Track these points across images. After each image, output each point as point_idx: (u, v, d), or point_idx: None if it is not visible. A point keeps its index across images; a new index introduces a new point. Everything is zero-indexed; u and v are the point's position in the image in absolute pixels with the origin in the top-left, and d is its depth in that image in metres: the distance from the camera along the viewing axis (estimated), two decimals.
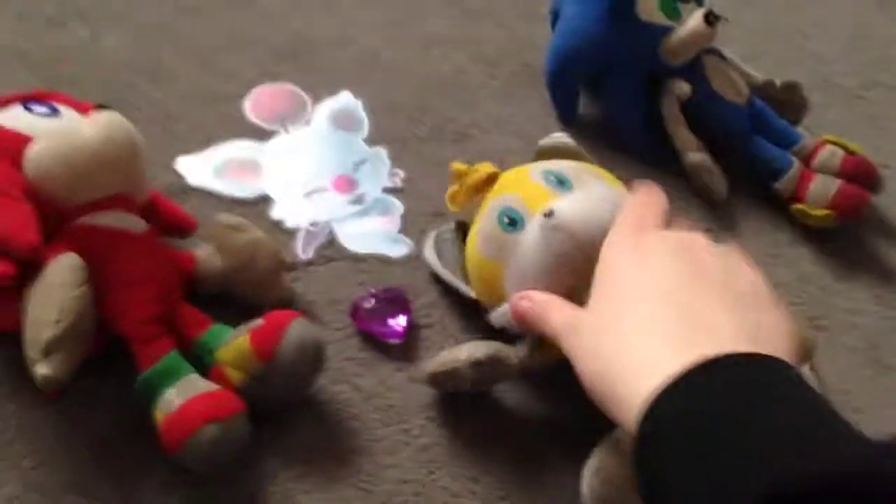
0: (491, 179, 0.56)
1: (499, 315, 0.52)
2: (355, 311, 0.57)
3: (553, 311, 0.46)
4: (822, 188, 0.68)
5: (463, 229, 0.59)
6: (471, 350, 0.51)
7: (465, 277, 0.57)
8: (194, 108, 0.68)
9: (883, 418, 0.60)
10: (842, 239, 0.70)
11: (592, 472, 0.47)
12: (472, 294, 0.56)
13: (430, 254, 0.60)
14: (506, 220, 0.52)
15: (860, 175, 0.69)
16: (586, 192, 0.52)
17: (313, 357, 0.50)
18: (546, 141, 0.59)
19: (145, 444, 0.49)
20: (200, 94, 0.69)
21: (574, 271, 0.48)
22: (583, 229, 0.48)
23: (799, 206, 0.69)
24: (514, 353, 0.52)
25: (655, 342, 0.37)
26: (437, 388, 0.54)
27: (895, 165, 0.78)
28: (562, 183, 0.52)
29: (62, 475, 0.48)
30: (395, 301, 0.58)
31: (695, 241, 0.43)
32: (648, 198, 0.48)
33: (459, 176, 0.57)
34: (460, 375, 0.51)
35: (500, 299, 0.52)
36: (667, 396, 0.34)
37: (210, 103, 0.69)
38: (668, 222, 0.47)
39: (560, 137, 0.59)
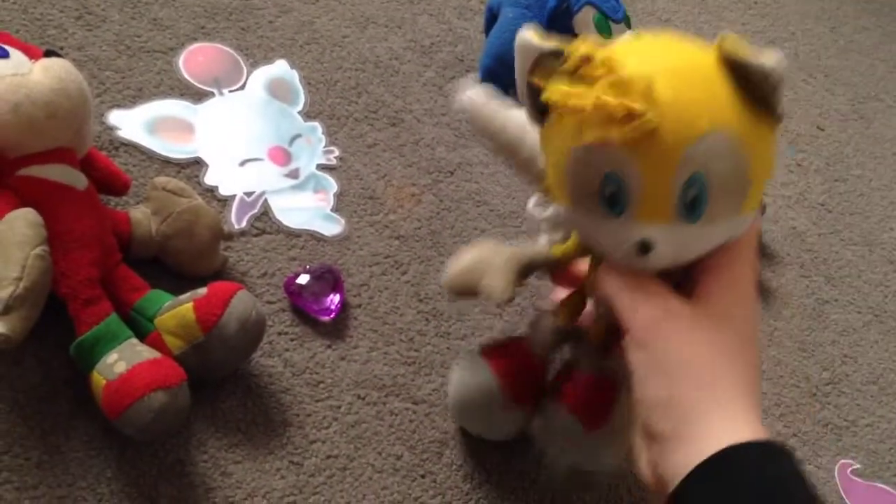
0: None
1: (540, 214, 0.50)
2: (289, 287, 0.58)
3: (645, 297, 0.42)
4: None
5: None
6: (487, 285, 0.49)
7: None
8: (124, 58, 0.65)
9: None
10: None
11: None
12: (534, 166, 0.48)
13: (521, 73, 0.43)
14: (609, 190, 0.40)
15: None
16: (706, 232, 0.41)
17: (254, 332, 0.51)
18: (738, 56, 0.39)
19: (71, 402, 0.49)
20: (131, 44, 0.66)
21: None
22: (671, 264, 0.42)
23: None
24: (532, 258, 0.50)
25: (736, 402, 0.40)
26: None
27: (773, 193, 0.87)
28: (693, 208, 0.40)
29: None
30: (329, 279, 0.59)
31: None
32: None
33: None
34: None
35: (555, 200, 0.45)
36: (705, 475, 0.38)
37: (140, 54, 0.66)
38: None
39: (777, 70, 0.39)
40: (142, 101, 0.64)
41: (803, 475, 0.39)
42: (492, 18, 0.77)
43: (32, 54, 0.49)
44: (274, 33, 0.73)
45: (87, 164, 0.53)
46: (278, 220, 0.62)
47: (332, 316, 0.58)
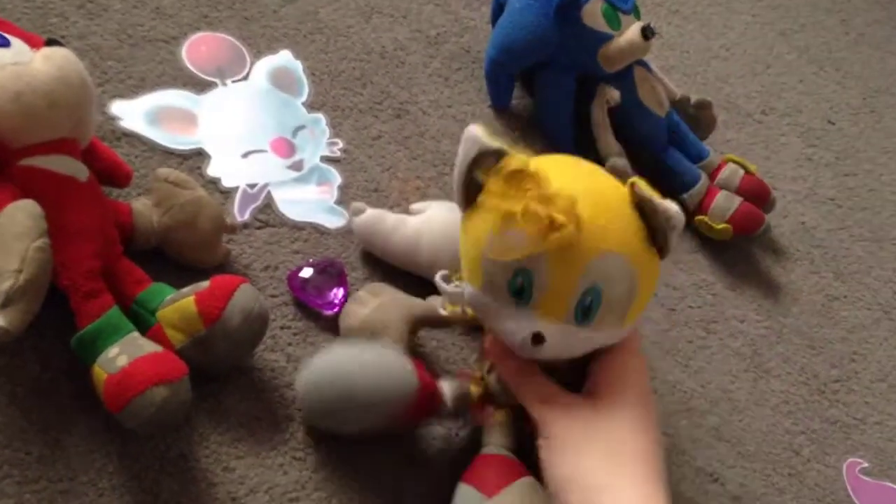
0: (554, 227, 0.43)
1: (444, 289, 0.53)
2: (293, 281, 0.57)
3: (544, 396, 0.49)
4: (724, 204, 0.74)
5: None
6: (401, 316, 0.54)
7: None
8: (126, 47, 0.64)
9: (760, 417, 0.67)
10: (734, 251, 0.77)
11: None
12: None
13: (464, 161, 0.47)
14: (519, 282, 0.45)
15: (756, 195, 0.76)
16: (592, 335, 0.47)
17: (257, 326, 0.50)
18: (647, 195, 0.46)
19: (71, 395, 0.48)
20: (133, 33, 0.65)
21: None
22: (556, 358, 0.49)
23: (702, 218, 0.75)
24: (424, 312, 0.56)
25: (644, 484, 0.45)
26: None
27: (782, 188, 0.86)
28: (586, 315, 0.46)
29: None
30: (333, 273, 0.58)
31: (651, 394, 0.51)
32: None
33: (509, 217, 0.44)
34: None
35: (463, 279, 0.50)
36: None
37: (142, 44, 0.65)
38: None
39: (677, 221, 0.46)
40: (144, 91, 0.63)
41: None
42: (499, 9, 0.76)
43: (34, 43, 0.48)
44: (278, 23, 0.73)
45: (89, 155, 0.52)
46: (281, 213, 0.61)
47: (335, 310, 0.57)
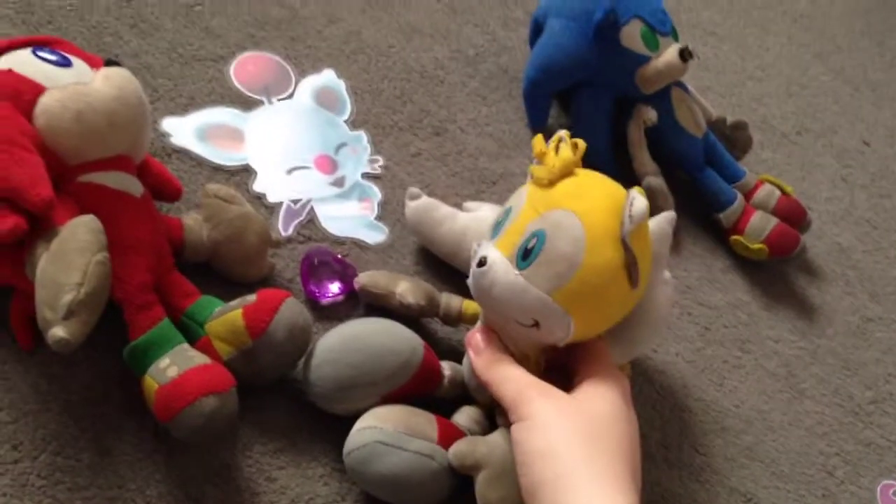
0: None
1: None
2: (305, 261, 0.59)
3: (519, 384, 0.49)
4: (760, 224, 0.75)
5: None
6: (405, 289, 0.57)
7: None
8: (176, 66, 0.66)
9: (794, 437, 0.67)
10: (769, 271, 0.78)
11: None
12: None
13: None
14: (500, 216, 0.51)
15: (792, 216, 0.76)
16: (524, 286, 0.48)
17: (301, 339, 0.52)
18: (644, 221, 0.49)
19: (122, 404, 0.50)
20: (183, 52, 0.68)
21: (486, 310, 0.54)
22: (492, 304, 0.51)
23: (737, 237, 0.75)
24: (445, 304, 0.58)
25: (613, 480, 0.45)
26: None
27: (817, 208, 0.86)
28: (525, 257, 0.48)
29: (38, 432, 0.47)
30: (341, 272, 0.59)
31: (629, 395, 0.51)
32: None
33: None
34: (388, 302, 0.58)
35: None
36: None
37: (192, 63, 0.67)
38: None
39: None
40: (193, 108, 0.65)
41: None
42: (537, 30, 0.77)
43: (94, 63, 0.50)
44: (322, 43, 0.74)
45: (143, 171, 0.54)
46: (324, 228, 0.63)
47: (324, 299, 0.59)
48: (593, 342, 0.52)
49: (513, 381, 0.49)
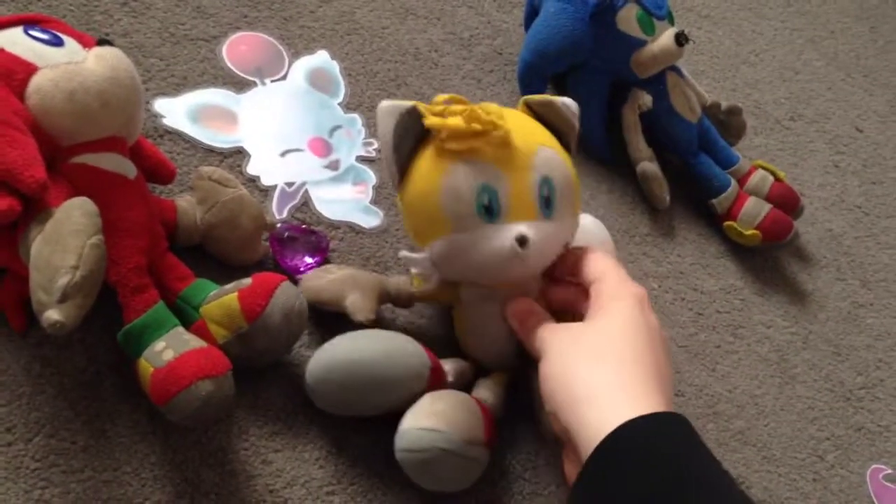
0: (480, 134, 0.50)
1: (412, 259, 0.54)
2: (273, 238, 0.58)
3: (544, 325, 0.51)
4: (753, 210, 0.75)
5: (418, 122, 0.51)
6: (353, 305, 0.54)
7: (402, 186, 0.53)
8: (168, 45, 0.66)
9: (786, 422, 0.67)
10: (762, 257, 0.78)
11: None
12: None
13: (387, 131, 0.51)
14: (485, 199, 0.50)
15: (785, 202, 0.77)
16: (558, 226, 0.53)
17: (297, 322, 0.51)
18: (558, 101, 0.55)
19: (116, 387, 0.50)
20: (175, 31, 0.67)
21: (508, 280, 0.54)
22: (537, 264, 0.53)
23: (731, 223, 0.75)
24: (395, 287, 0.57)
25: (632, 387, 0.45)
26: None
27: (810, 194, 0.87)
28: (548, 205, 0.51)
29: (32, 414, 0.47)
30: (315, 243, 0.59)
31: (647, 302, 0.51)
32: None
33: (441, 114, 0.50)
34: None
35: (425, 244, 0.53)
36: (622, 433, 0.41)
37: (184, 42, 0.66)
38: None
39: (573, 108, 0.55)
40: (186, 89, 0.64)
41: (693, 443, 0.43)
42: (533, 12, 0.77)
43: (86, 43, 0.50)
44: (315, 23, 0.73)
45: (136, 153, 0.53)
46: (318, 212, 0.62)
47: (297, 274, 0.58)
48: (598, 264, 0.52)
49: (541, 326, 0.51)
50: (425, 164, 0.51)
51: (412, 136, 0.51)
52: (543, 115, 0.55)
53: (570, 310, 0.54)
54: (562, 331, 0.50)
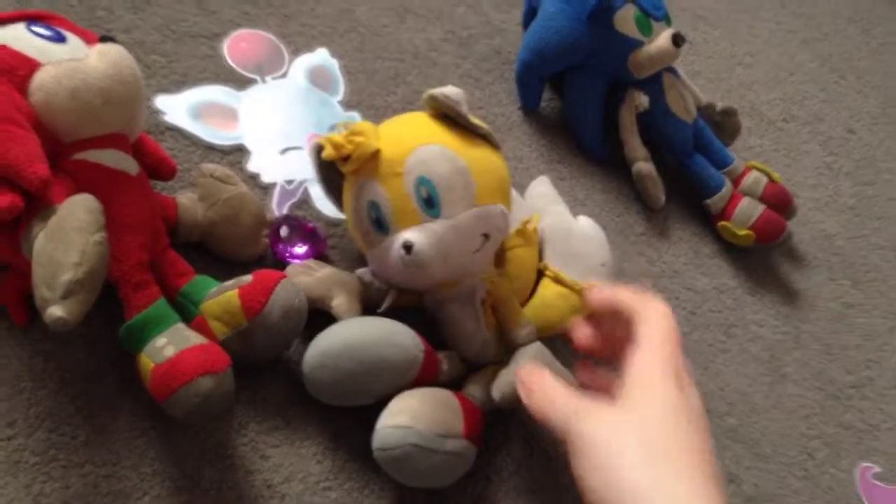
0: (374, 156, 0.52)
1: (363, 274, 0.56)
2: (275, 225, 0.59)
3: (562, 399, 0.45)
4: (747, 211, 0.75)
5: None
6: (339, 307, 0.54)
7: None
8: (169, 42, 0.66)
9: (776, 420, 0.68)
10: (755, 257, 0.79)
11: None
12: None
13: (314, 166, 0.57)
14: (373, 215, 0.52)
15: (779, 202, 0.77)
16: (453, 223, 0.51)
17: (296, 319, 0.51)
18: (436, 92, 0.53)
19: (117, 382, 0.50)
20: (176, 28, 0.67)
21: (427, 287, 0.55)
22: (444, 265, 0.52)
23: (725, 223, 0.76)
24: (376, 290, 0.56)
25: (686, 482, 0.40)
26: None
27: (802, 195, 0.87)
28: (430, 204, 0.51)
29: (32, 409, 0.47)
30: (308, 235, 0.60)
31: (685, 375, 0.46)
32: (673, 321, 0.47)
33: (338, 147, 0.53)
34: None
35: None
36: None
37: (185, 39, 0.67)
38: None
39: (451, 95, 0.54)
40: (187, 86, 0.64)
41: None
42: (531, 12, 0.78)
43: (88, 39, 0.50)
44: (315, 21, 0.74)
45: (137, 149, 0.54)
46: (318, 209, 0.63)
47: (289, 261, 0.58)
48: (643, 335, 0.46)
49: (558, 403, 0.45)
50: (345, 190, 0.56)
51: (334, 168, 0.54)
52: (441, 110, 0.54)
53: (604, 392, 0.47)
54: (596, 412, 0.43)
